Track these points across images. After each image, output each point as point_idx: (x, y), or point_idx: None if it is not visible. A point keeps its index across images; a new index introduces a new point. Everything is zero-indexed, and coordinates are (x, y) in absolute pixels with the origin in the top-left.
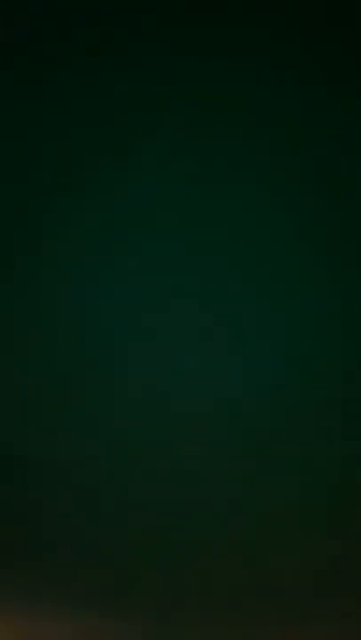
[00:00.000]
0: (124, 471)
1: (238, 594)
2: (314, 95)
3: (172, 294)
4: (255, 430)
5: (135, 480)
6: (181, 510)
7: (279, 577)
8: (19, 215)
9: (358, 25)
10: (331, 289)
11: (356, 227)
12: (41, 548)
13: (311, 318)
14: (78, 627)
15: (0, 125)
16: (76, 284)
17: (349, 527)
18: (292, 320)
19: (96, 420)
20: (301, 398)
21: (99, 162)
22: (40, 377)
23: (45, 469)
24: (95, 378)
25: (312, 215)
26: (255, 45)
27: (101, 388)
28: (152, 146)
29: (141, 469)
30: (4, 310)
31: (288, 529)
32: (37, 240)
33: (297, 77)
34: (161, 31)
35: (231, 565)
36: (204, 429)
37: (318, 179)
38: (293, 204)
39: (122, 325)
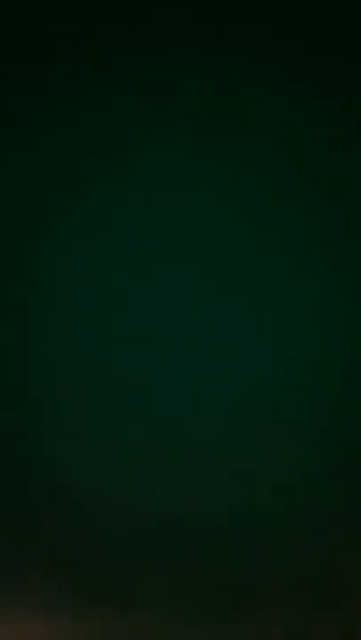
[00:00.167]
0: (124, 471)
1: (238, 594)
2: (314, 98)
3: (173, 294)
4: (253, 431)
5: (135, 480)
6: (181, 510)
7: (279, 577)
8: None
9: (358, 28)
10: (330, 293)
11: (356, 230)
12: (41, 548)
13: (310, 320)
14: (78, 627)
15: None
16: (77, 300)
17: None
18: (292, 322)
19: (96, 421)
20: (302, 398)
21: (99, 175)
22: (41, 379)
23: (45, 469)
24: (95, 379)
25: (312, 219)
26: (255, 50)
27: (101, 389)
28: (153, 146)
29: (142, 470)
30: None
31: (288, 529)
32: (38, 248)
33: (297, 80)
34: (161, 45)
35: (231, 565)
36: (203, 432)
37: (318, 181)
38: (293, 209)
39: (123, 337)
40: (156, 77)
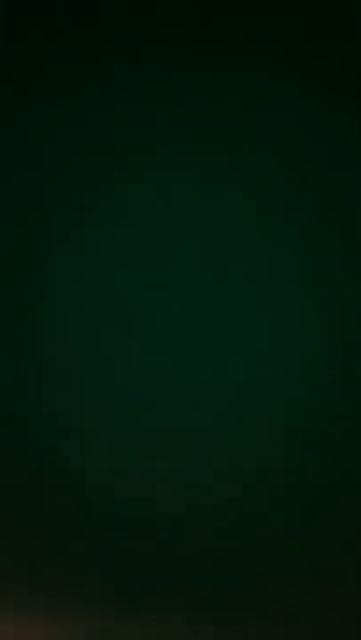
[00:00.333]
0: (124, 471)
1: (238, 594)
2: (313, 110)
3: (173, 295)
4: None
5: (135, 480)
6: (182, 510)
7: (280, 578)
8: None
9: (358, 39)
10: (330, 298)
11: (356, 237)
12: (40, 549)
13: (311, 327)
14: (78, 627)
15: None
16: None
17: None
18: (293, 328)
19: (97, 421)
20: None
21: (98, 189)
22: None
23: (45, 470)
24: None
25: (314, 231)
26: (254, 62)
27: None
28: (153, 160)
29: (142, 469)
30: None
31: (289, 529)
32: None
33: (296, 92)
34: (159, 56)
35: (231, 566)
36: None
37: (321, 195)
38: (295, 221)
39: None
40: (156, 85)
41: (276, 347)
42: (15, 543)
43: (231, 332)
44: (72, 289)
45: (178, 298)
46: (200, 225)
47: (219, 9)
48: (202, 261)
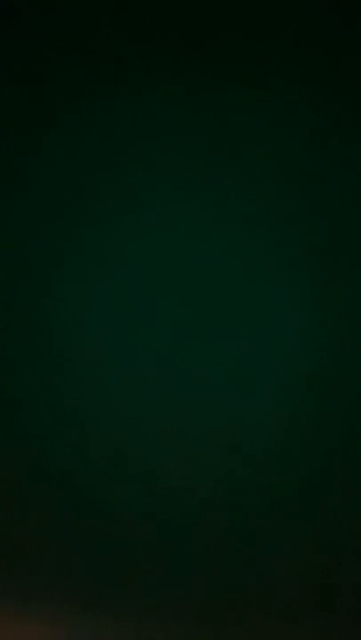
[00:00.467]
0: (124, 471)
1: (238, 594)
2: (316, 126)
3: (172, 301)
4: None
5: (135, 480)
6: (182, 510)
7: (279, 578)
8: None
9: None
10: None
11: (356, 237)
12: (40, 550)
13: (312, 332)
14: (78, 627)
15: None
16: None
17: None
18: (295, 332)
19: (96, 422)
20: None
21: (100, 212)
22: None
23: (45, 470)
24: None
25: (313, 244)
26: (256, 77)
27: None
28: (153, 173)
29: (141, 469)
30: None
31: (289, 529)
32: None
33: (299, 108)
34: (159, 77)
35: (231, 566)
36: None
37: (320, 209)
38: (294, 234)
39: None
40: (157, 103)
41: (277, 335)
42: (14, 544)
43: (231, 331)
44: (78, 280)
45: (178, 299)
46: (200, 227)
47: (217, 25)
48: (201, 262)
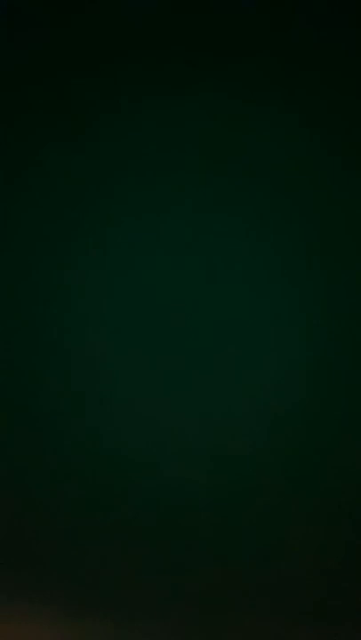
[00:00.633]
0: (124, 471)
1: (238, 594)
2: (316, 127)
3: (171, 304)
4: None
5: (134, 480)
6: (182, 510)
7: (279, 578)
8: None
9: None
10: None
11: (356, 238)
12: (39, 550)
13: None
14: (78, 627)
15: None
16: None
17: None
18: (295, 335)
19: (97, 426)
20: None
21: (99, 230)
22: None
23: (44, 471)
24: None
25: (315, 247)
26: (256, 83)
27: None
28: (154, 168)
29: (141, 469)
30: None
31: (288, 530)
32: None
33: (298, 117)
34: (159, 79)
35: (231, 565)
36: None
37: (322, 213)
38: (295, 237)
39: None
40: (157, 108)
41: (277, 339)
42: (13, 544)
43: (231, 330)
44: (78, 281)
45: (180, 300)
46: (200, 227)
47: (216, 40)
48: (201, 262)
